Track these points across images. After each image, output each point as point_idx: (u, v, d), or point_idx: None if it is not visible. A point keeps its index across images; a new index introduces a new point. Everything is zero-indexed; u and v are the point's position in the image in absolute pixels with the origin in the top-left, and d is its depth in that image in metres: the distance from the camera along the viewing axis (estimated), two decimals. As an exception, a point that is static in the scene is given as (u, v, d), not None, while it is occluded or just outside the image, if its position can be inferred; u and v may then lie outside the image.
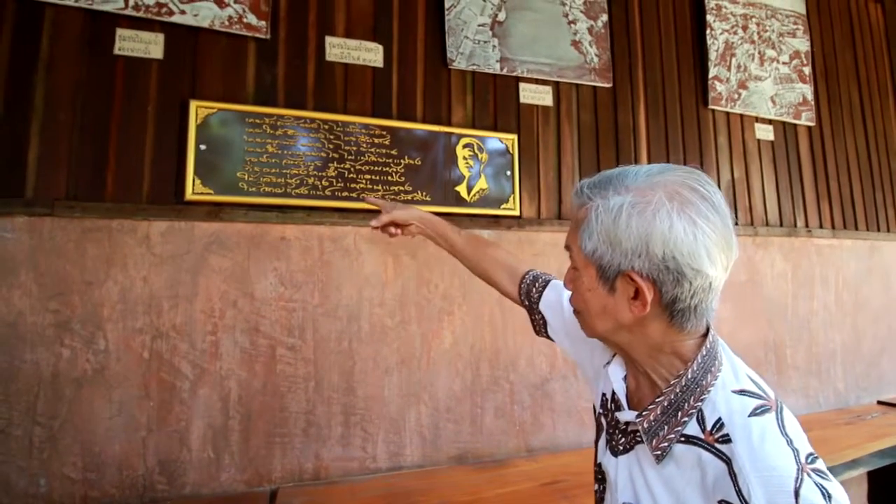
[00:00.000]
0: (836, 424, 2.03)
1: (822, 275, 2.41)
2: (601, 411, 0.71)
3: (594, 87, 2.02)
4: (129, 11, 1.40)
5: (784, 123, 2.43)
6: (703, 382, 0.54)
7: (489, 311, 1.73)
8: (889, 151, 2.73)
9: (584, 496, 1.31)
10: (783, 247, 2.32)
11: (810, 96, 2.50)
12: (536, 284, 0.89)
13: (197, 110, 1.44)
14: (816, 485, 0.45)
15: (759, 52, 2.42)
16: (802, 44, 2.53)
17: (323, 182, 1.56)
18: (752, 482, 0.46)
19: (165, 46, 1.44)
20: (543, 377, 1.79)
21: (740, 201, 2.28)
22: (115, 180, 1.37)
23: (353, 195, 1.59)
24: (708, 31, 2.29)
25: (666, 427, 0.55)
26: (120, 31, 1.40)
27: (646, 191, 0.52)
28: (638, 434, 0.59)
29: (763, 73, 2.41)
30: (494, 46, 1.86)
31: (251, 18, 1.53)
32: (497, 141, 1.82)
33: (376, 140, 1.64)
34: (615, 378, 0.64)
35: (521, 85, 1.90)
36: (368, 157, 1.63)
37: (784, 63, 2.47)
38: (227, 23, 1.51)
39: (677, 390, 0.55)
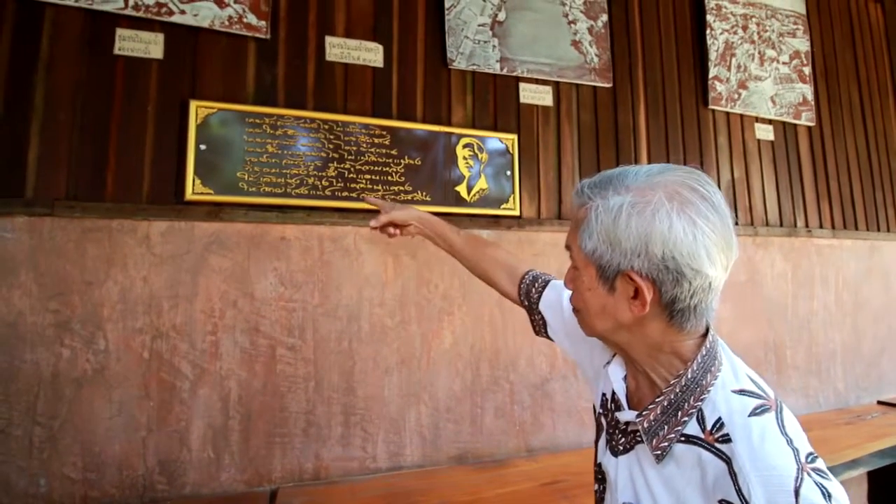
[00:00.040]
0: (836, 424, 2.03)
1: (822, 275, 2.41)
2: (601, 411, 0.71)
3: (594, 87, 2.02)
4: (129, 11, 1.40)
5: (784, 123, 2.43)
6: (703, 382, 0.54)
7: (489, 312, 1.73)
8: (889, 151, 2.73)
9: (584, 496, 1.31)
10: (783, 247, 2.32)
11: (810, 96, 2.50)
12: (536, 285, 0.89)
13: (197, 110, 1.44)
14: (816, 484, 0.45)
15: (759, 52, 2.42)
16: (802, 44, 2.53)
17: (323, 182, 1.56)
18: (752, 481, 0.46)
19: (165, 46, 1.44)
20: (543, 377, 1.79)
21: (740, 201, 2.28)
22: (115, 180, 1.37)
23: (353, 195, 1.59)
24: (708, 31, 2.29)
25: (666, 427, 0.55)
26: (120, 31, 1.40)
27: (646, 191, 0.52)
28: (638, 434, 0.59)
29: (763, 73, 2.41)
30: (494, 46, 1.86)
31: (251, 18, 1.53)
32: (497, 141, 1.82)
33: (376, 140, 1.64)
34: (615, 378, 0.64)
35: (521, 85, 1.90)
36: (368, 157, 1.63)
37: (784, 63, 2.47)
38: (227, 23, 1.51)
39: (677, 390, 0.55)
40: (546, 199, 1.89)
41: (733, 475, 0.48)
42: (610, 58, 2.05)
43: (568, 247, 0.62)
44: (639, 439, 0.59)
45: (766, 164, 2.37)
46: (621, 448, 0.63)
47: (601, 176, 0.58)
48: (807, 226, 2.41)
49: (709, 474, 0.51)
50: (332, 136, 1.59)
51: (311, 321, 1.51)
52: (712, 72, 2.27)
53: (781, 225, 2.35)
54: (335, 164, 1.58)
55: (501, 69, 1.86)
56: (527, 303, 0.90)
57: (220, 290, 1.43)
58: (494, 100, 1.85)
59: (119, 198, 1.36)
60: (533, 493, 1.36)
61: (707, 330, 0.57)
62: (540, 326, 0.89)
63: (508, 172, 1.82)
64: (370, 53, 1.68)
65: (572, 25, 2.01)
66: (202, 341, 1.39)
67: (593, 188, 0.57)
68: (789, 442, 0.48)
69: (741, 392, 0.53)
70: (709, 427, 0.52)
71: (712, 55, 2.28)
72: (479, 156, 1.79)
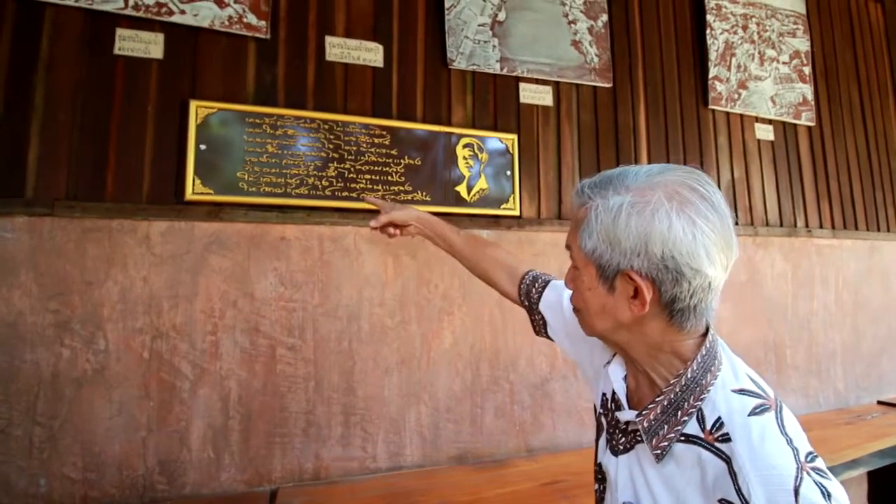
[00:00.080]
0: (836, 424, 2.03)
1: (822, 275, 2.41)
2: (601, 411, 0.71)
3: (594, 87, 2.02)
4: (129, 11, 1.40)
5: (784, 123, 2.43)
6: (703, 382, 0.54)
7: (489, 312, 1.73)
8: (889, 151, 2.73)
9: (584, 496, 1.31)
10: (783, 247, 2.32)
11: (810, 96, 2.50)
12: (536, 285, 0.89)
13: (197, 110, 1.44)
14: (816, 483, 0.45)
15: (759, 52, 2.42)
16: (802, 44, 2.53)
17: (323, 182, 1.56)
18: (751, 481, 0.46)
19: (165, 46, 1.44)
20: (543, 377, 1.79)
21: (740, 201, 2.28)
22: (115, 180, 1.37)
23: (353, 195, 1.59)
24: (708, 31, 2.29)
25: (666, 426, 0.55)
26: (120, 31, 1.40)
27: (645, 191, 0.53)
28: (638, 433, 0.59)
29: (763, 72, 2.41)
30: (494, 46, 1.86)
31: (251, 18, 1.53)
32: (497, 141, 1.82)
33: (376, 140, 1.64)
34: (615, 378, 0.64)
35: (521, 85, 1.90)
36: (368, 157, 1.63)
37: (784, 63, 2.47)
38: (227, 23, 1.51)
39: (677, 390, 0.55)
40: (546, 199, 1.89)
41: (733, 474, 0.48)
42: (610, 58, 2.05)
43: (568, 246, 0.62)
44: (639, 439, 0.59)
45: (766, 164, 2.37)
46: (621, 448, 0.63)
47: (601, 176, 0.58)
48: (807, 226, 2.41)
49: (708, 474, 0.51)
50: (332, 136, 1.59)
51: (311, 321, 1.51)
52: (712, 72, 2.27)
53: (781, 225, 2.35)
54: (335, 164, 1.58)
55: (501, 69, 1.86)
56: (527, 303, 0.90)
57: (220, 290, 1.43)
58: (494, 100, 1.86)
59: (119, 198, 1.36)
60: (533, 493, 1.36)
61: (707, 329, 0.57)
62: (540, 326, 0.89)
63: (508, 172, 1.82)
64: (370, 53, 1.68)
65: (572, 25, 2.01)
66: (202, 341, 1.39)
67: (593, 188, 0.57)
68: (789, 441, 0.48)
69: (741, 391, 0.53)
70: (708, 426, 0.52)
71: (712, 55, 2.28)
72: (479, 156, 1.79)
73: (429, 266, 1.67)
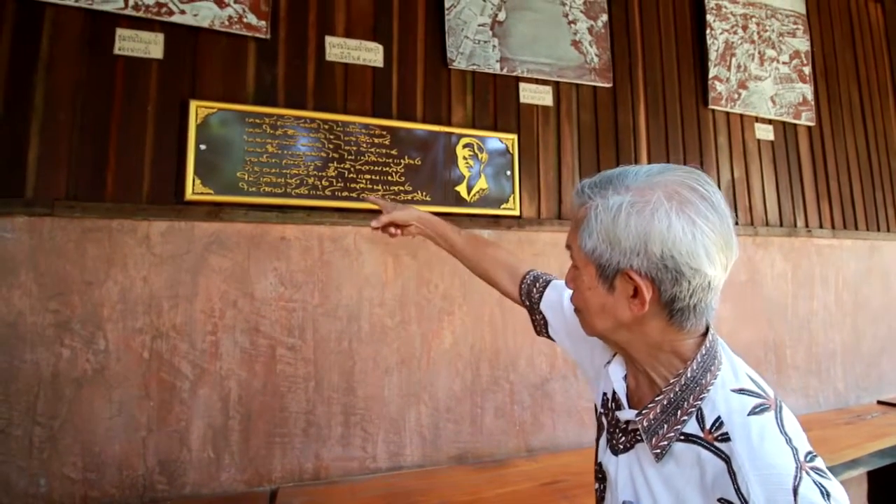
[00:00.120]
0: (836, 424, 2.03)
1: (822, 275, 2.41)
2: (602, 410, 0.71)
3: (594, 87, 2.03)
4: (129, 11, 1.40)
5: (784, 123, 2.43)
6: (703, 381, 0.54)
7: (489, 312, 1.73)
8: (889, 151, 2.73)
9: (584, 496, 1.31)
10: (783, 247, 2.32)
11: (810, 96, 2.50)
12: (537, 285, 0.89)
13: (197, 110, 1.44)
14: (815, 483, 0.45)
15: (759, 52, 2.42)
16: (802, 44, 2.53)
17: (323, 182, 1.56)
18: (750, 480, 0.46)
19: (165, 46, 1.45)
20: (543, 377, 1.79)
21: (740, 201, 2.28)
22: (115, 180, 1.37)
23: (354, 195, 1.59)
24: (708, 31, 2.29)
25: (665, 426, 0.55)
26: (120, 31, 1.40)
27: (645, 190, 0.53)
28: (638, 433, 0.59)
29: (763, 72, 2.41)
30: (494, 46, 1.86)
31: (251, 18, 1.53)
32: (497, 141, 1.82)
33: (376, 140, 1.64)
34: (615, 377, 0.65)
35: (521, 85, 1.90)
36: (368, 156, 1.63)
37: (784, 63, 2.47)
38: (227, 23, 1.51)
39: (677, 389, 0.55)
40: (546, 199, 1.89)
41: (732, 474, 0.48)
42: (610, 58, 2.05)
43: (568, 246, 0.62)
44: (639, 438, 0.59)
45: (766, 164, 2.37)
46: (621, 447, 0.63)
47: (601, 176, 0.58)
48: (807, 226, 2.41)
49: (708, 473, 0.51)
50: (332, 136, 1.59)
51: (311, 321, 1.51)
52: (712, 72, 2.27)
53: (781, 225, 2.35)
54: (335, 164, 1.58)
55: (501, 69, 1.86)
56: (528, 303, 0.90)
57: (220, 290, 1.43)
58: (494, 100, 1.86)
59: (119, 198, 1.36)
60: (533, 493, 1.36)
61: (707, 329, 0.57)
62: (541, 326, 0.89)
63: (508, 172, 1.82)
64: (370, 53, 1.68)
65: (572, 25, 2.01)
66: (202, 341, 1.39)
67: (593, 188, 0.57)
68: (788, 441, 0.48)
69: (741, 391, 0.53)
70: (708, 426, 0.52)
71: (712, 55, 2.28)
72: (479, 156, 1.79)
73: (429, 266, 1.67)
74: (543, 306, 0.86)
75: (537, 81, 1.93)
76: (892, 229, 2.67)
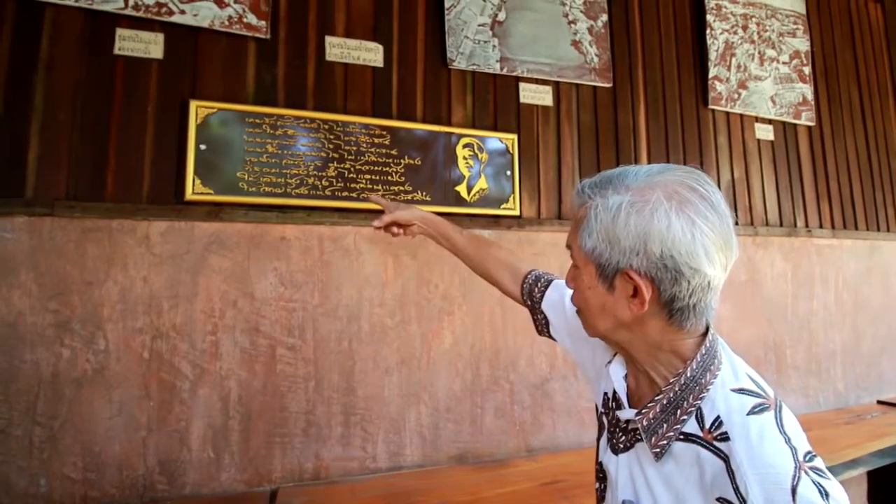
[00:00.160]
0: (836, 424, 2.03)
1: (822, 275, 2.41)
2: (603, 410, 0.71)
3: (594, 87, 2.03)
4: (129, 11, 1.40)
5: (784, 123, 2.43)
6: (703, 381, 0.54)
7: (489, 311, 1.73)
8: (889, 151, 2.73)
9: (584, 496, 1.31)
10: (783, 247, 2.32)
11: (810, 96, 2.50)
12: (539, 284, 0.89)
13: (197, 110, 1.44)
14: (814, 483, 0.45)
15: (759, 52, 2.42)
16: (802, 44, 2.53)
17: (323, 182, 1.56)
18: (749, 480, 0.46)
19: (165, 46, 1.45)
20: (543, 377, 1.79)
21: (740, 201, 2.28)
22: (115, 180, 1.37)
23: (354, 195, 1.59)
24: (708, 31, 2.29)
25: (665, 425, 0.55)
26: (120, 31, 1.40)
27: (645, 190, 0.53)
28: (638, 432, 0.59)
29: (763, 72, 2.41)
30: (494, 46, 1.86)
31: (251, 18, 1.53)
32: (497, 141, 1.82)
33: (376, 140, 1.64)
34: (616, 377, 0.65)
35: (521, 85, 1.90)
36: (368, 156, 1.63)
37: (784, 63, 2.47)
38: (227, 23, 1.51)
39: (676, 388, 0.55)
40: (546, 198, 1.89)
41: (731, 473, 0.48)
42: (610, 58, 2.05)
43: (569, 246, 0.62)
44: (639, 437, 0.59)
45: (766, 164, 2.37)
46: (622, 446, 0.63)
47: (601, 176, 0.58)
48: (807, 226, 2.41)
49: (707, 472, 0.51)
50: (332, 136, 1.59)
51: (311, 321, 1.51)
52: (712, 72, 2.27)
53: (781, 225, 2.35)
54: (335, 164, 1.59)
55: (501, 69, 1.86)
56: (529, 302, 0.90)
57: (220, 290, 1.43)
58: (494, 100, 1.86)
59: (119, 198, 1.36)
60: (533, 493, 1.36)
61: (707, 329, 0.57)
62: (543, 326, 0.89)
63: (508, 172, 1.82)
64: (370, 53, 1.68)
65: (572, 25, 2.01)
66: (202, 341, 1.40)
67: (593, 188, 0.57)
68: (787, 440, 0.48)
69: (740, 391, 0.53)
70: (707, 425, 0.52)
71: (712, 55, 2.28)
72: (479, 156, 1.79)
73: (429, 266, 1.67)
74: (545, 306, 0.87)
75: (537, 81, 1.93)
76: (892, 229, 2.67)
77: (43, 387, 1.25)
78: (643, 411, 0.57)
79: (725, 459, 0.49)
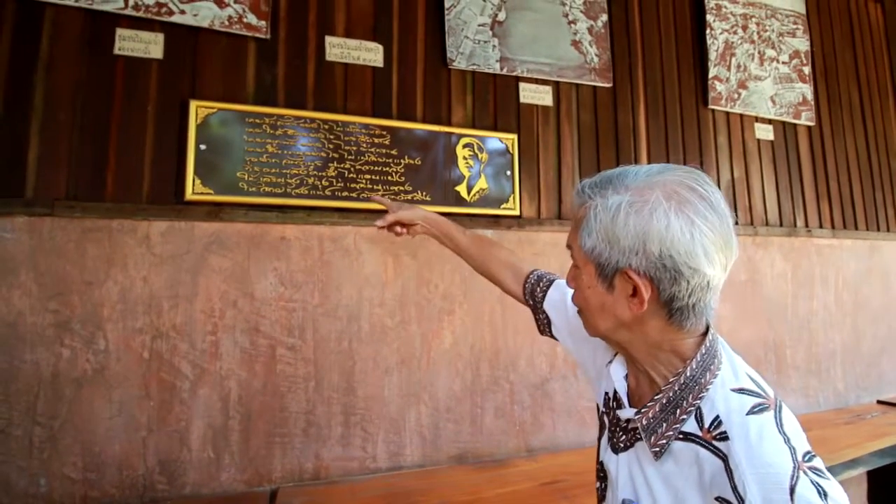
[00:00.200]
0: (836, 424, 2.03)
1: (822, 275, 2.41)
2: (604, 409, 0.72)
3: (594, 87, 2.03)
4: (128, 11, 1.40)
5: (784, 123, 2.43)
6: (702, 380, 0.54)
7: (489, 311, 1.73)
8: (889, 151, 2.73)
9: (584, 496, 1.31)
10: (783, 247, 2.32)
11: (810, 96, 2.50)
12: (541, 284, 0.89)
13: (197, 110, 1.44)
14: (813, 482, 0.45)
15: (759, 52, 2.42)
16: (802, 43, 2.53)
17: (323, 182, 1.57)
18: (747, 479, 0.46)
19: (165, 46, 1.45)
20: (543, 377, 1.79)
21: (740, 201, 2.28)
22: (115, 180, 1.37)
23: (354, 195, 1.59)
24: (708, 31, 2.29)
25: (664, 424, 0.55)
26: (120, 31, 1.40)
27: (644, 190, 0.53)
28: (638, 431, 0.59)
29: (763, 72, 2.41)
30: (494, 46, 1.86)
31: (251, 18, 1.53)
32: (497, 141, 1.82)
33: (376, 140, 1.64)
34: (616, 376, 0.65)
35: (521, 85, 1.90)
36: (368, 156, 1.63)
37: (784, 63, 2.47)
38: (227, 23, 1.51)
39: (676, 388, 0.55)
40: (546, 198, 1.89)
41: (729, 472, 0.48)
42: (610, 58, 2.05)
43: (569, 246, 0.62)
44: (639, 437, 0.59)
45: (766, 164, 2.37)
46: (622, 445, 0.63)
47: (602, 175, 0.58)
48: (807, 226, 2.41)
49: (706, 472, 0.51)
50: (332, 136, 1.59)
51: (311, 321, 1.51)
52: (712, 72, 2.27)
53: (781, 225, 2.35)
54: (335, 164, 1.59)
55: (501, 69, 1.86)
56: (531, 302, 0.90)
57: (220, 290, 1.43)
58: (494, 100, 1.86)
59: (119, 198, 1.36)
60: (533, 493, 1.36)
61: (707, 329, 0.57)
62: (544, 326, 0.89)
63: (508, 172, 1.82)
64: (370, 53, 1.68)
65: (572, 25, 2.01)
66: (202, 341, 1.40)
67: (593, 187, 0.57)
68: (786, 440, 0.48)
69: (740, 391, 0.53)
70: (706, 425, 0.52)
71: (712, 55, 2.28)
72: (479, 156, 1.79)
73: (429, 266, 1.67)
74: (547, 306, 0.87)
75: (537, 81, 1.93)
76: (892, 229, 2.67)
77: (43, 387, 1.25)
78: (643, 410, 0.57)
79: (724, 459, 0.49)
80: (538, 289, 0.89)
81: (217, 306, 1.42)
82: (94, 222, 1.33)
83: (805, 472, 0.46)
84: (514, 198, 1.82)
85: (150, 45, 1.43)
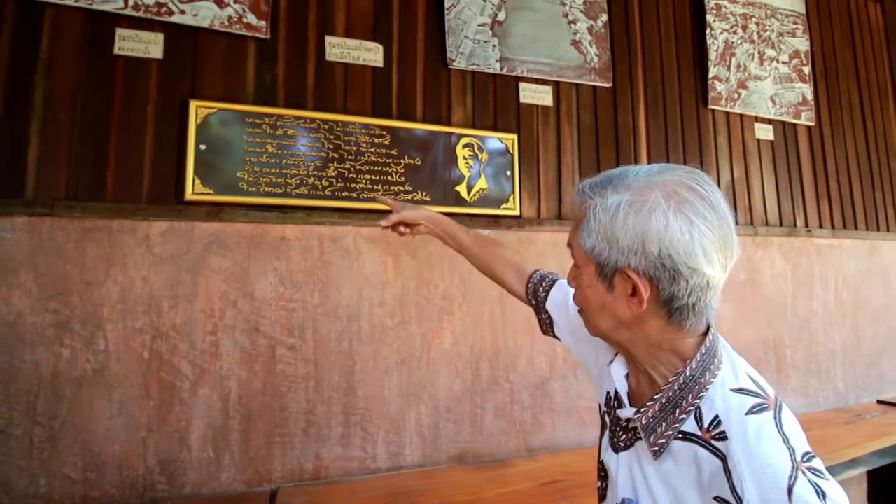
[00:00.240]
0: (836, 424, 2.03)
1: (822, 274, 2.41)
2: (605, 409, 0.72)
3: (594, 86, 2.03)
4: (128, 11, 1.41)
5: (784, 123, 2.43)
6: (702, 380, 0.54)
7: (489, 311, 1.73)
8: (889, 151, 2.73)
9: (583, 496, 1.31)
10: (783, 246, 2.32)
11: (810, 96, 2.50)
12: (543, 284, 0.90)
13: (197, 110, 1.44)
14: (811, 483, 0.45)
15: (759, 52, 2.42)
16: (802, 43, 2.53)
17: (323, 182, 1.57)
18: (745, 479, 0.46)
19: (165, 46, 1.45)
20: (543, 377, 1.79)
21: (740, 201, 2.28)
22: (115, 180, 1.37)
23: (354, 195, 1.59)
24: (708, 31, 2.29)
25: (664, 424, 0.56)
26: (120, 31, 1.40)
27: (643, 190, 0.53)
28: (638, 431, 0.59)
29: (763, 72, 2.41)
30: (494, 46, 1.86)
31: (251, 18, 1.53)
32: (497, 141, 1.82)
33: (376, 140, 1.64)
34: (617, 376, 0.65)
35: (521, 85, 1.90)
36: (368, 156, 1.63)
37: (784, 63, 2.47)
38: (226, 23, 1.51)
39: (675, 388, 0.55)
40: (546, 198, 1.89)
41: (728, 472, 0.48)
42: (610, 58, 2.05)
43: (570, 245, 0.63)
44: (639, 436, 0.60)
45: (766, 164, 2.37)
46: (622, 445, 0.64)
47: (602, 175, 0.58)
48: (806, 225, 2.41)
49: (704, 471, 0.51)
50: (332, 136, 1.59)
51: (311, 321, 1.51)
52: (712, 72, 2.27)
53: (781, 225, 2.35)
54: (335, 164, 1.59)
55: (501, 69, 1.86)
56: (534, 301, 0.91)
57: (220, 290, 1.43)
58: (494, 100, 1.86)
59: (119, 198, 1.37)
60: (533, 493, 1.36)
61: (708, 328, 0.57)
62: (547, 325, 0.89)
63: (508, 172, 1.82)
64: (370, 53, 1.68)
65: (572, 25, 2.01)
66: (202, 341, 1.40)
67: (594, 187, 0.57)
68: (785, 441, 0.48)
69: (740, 391, 0.53)
70: (706, 424, 0.53)
71: (712, 55, 2.28)
72: (479, 156, 1.79)
73: (429, 266, 1.67)
74: (549, 305, 0.87)
75: (537, 81, 1.93)
76: (892, 229, 2.67)
77: (43, 387, 1.25)
78: (642, 410, 0.57)
79: (723, 458, 0.50)
80: (541, 288, 0.89)
81: (217, 306, 1.42)
82: (94, 222, 1.33)
83: (803, 473, 0.46)
84: (513, 198, 1.82)
85: (150, 45, 1.43)
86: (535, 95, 1.91)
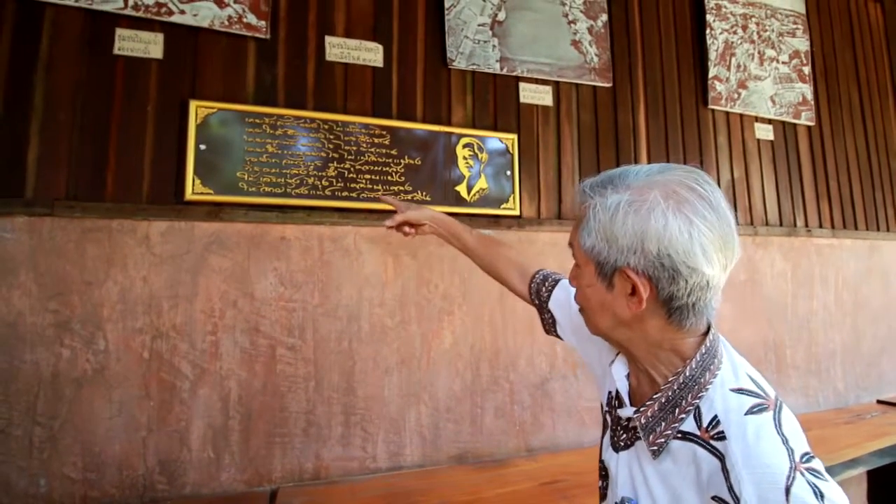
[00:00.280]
0: (836, 424, 2.03)
1: (822, 274, 2.41)
2: (607, 408, 0.72)
3: (594, 86, 2.03)
4: (128, 11, 1.41)
5: (784, 123, 2.43)
6: (702, 380, 0.54)
7: (489, 311, 1.73)
8: (889, 151, 2.73)
9: (583, 496, 1.31)
10: (783, 246, 2.32)
11: (810, 96, 2.50)
12: (546, 284, 0.90)
13: (197, 110, 1.44)
14: (809, 483, 0.45)
15: (759, 52, 2.42)
16: (802, 43, 2.53)
17: (323, 182, 1.57)
18: (743, 479, 0.47)
19: (165, 46, 1.45)
20: (543, 377, 1.79)
21: (740, 201, 2.28)
22: (115, 180, 1.37)
23: (354, 195, 1.59)
24: (708, 31, 2.29)
25: (663, 423, 0.56)
26: (120, 31, 1.40)
27: (643, 189, 0.53)
28: (638, 430, 0.60)
29: (763, 72, 2.41)
30: (494, 46, 1.86)
31: (251, 18, 1.53)
32: (497, 141, 1.82)
33: (376, 140, 1.64)
34: (618, 376, 0.65)
35: (521, 85, 1.90)
36: (368, 156, 1.63)
37: (784, 63, 2.47)
38: (226, 23, 1.51)
39: (675, 387, 0.55)
40: (546, 198, 1.89)
41: (726, 472, 0.48)
42: (610, 58, 2.05)
43: (570, 244, 0.63)
44: (639, 436, 0.60)
45: (766, 164, 2.37)
46: (622, 444, 0.64)
47: (603, 175, 0.59)
48: (806, 225, 2.41)
49: (703, 471, 0.51)
50: (332, 136, 1.59)
51: (311, 321, 1.51)
52: (712, 71, 2.27)
53: (781, 224, 2.35)
54: (335, 164, 1.59)
55: (501, 69, 1.86)
56: (537, 301, 0.91)
57: (220, 290, 1.43)
58: (494, 100, 1.86)
59: (119, 198, 1.37)
60: (533, 493, 1.36)
61: (709, 328, 0.57)
62: (550, 325, 0.90)
63: (508, 172, 1.82)
64: (370, 53, 1.68)
65: (572, 25, 2.01)
66: (202, 341, 1.40)
67: (594, 187, 0.58)
68: (784, 441, 0.48)
69: (739, 391, 0.53)
70: (705, 424, 0.53)
71: (712, 55, 2.28)
72: (479, 156, 1.79)
73: (429, 266, 1.67)
74: (552, 305, 0.87)
75: (537, 81, 1.93)
76: (892, 229, 2.67)
77: (43, 387, 1.25)
78: (642, 409, 0.58)
79: (721, 458, 0.50)
80: (543, 288, 0.90)
81: (217, 306, 1.42)
82: (94, 222, 1.33)
83: (802, 473, 0.46)
84: (513, 198, 1.82)
85: (149, 45, 1.43)
86: (535, 95, 1.91)
